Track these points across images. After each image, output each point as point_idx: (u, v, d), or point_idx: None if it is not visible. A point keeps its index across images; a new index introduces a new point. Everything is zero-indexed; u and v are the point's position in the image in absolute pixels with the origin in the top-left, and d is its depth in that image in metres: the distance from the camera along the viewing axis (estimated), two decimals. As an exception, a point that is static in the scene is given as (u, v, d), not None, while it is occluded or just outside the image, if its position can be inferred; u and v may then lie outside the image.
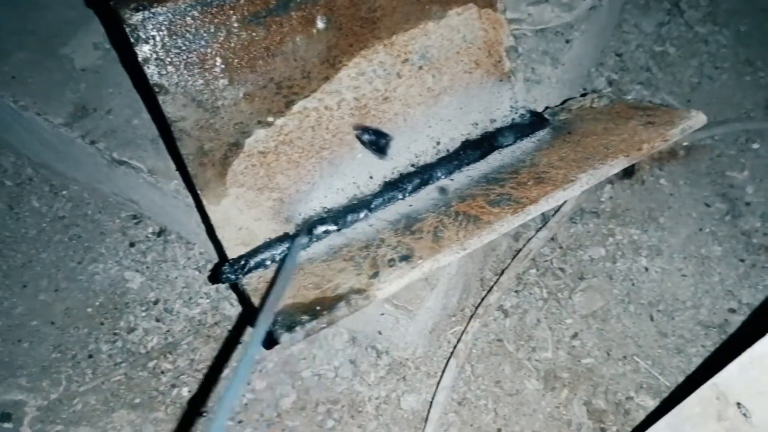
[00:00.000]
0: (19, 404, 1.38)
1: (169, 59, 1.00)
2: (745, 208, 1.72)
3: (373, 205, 1.21)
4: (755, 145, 1.85)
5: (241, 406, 1.34)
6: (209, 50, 1.02)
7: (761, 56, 2.06)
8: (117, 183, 1.58)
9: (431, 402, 1.34)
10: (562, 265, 1.59)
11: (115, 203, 1.69)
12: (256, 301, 1.04)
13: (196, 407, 1.35)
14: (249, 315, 1.44)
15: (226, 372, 1.39)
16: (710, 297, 1.54)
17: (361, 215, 1.20)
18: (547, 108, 1.47)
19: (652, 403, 1.37)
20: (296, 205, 1.18)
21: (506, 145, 1.32)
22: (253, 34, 1.05)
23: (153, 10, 0.97)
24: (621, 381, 1.40)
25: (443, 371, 1.36)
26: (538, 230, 1.62)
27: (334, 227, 1.18)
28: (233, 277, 1.09)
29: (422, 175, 1.25)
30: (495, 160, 1.28)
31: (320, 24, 1.11)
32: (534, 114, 1.36)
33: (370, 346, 1.41)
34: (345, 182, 1.21)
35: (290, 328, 0.92)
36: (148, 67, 0.99)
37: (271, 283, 1.07)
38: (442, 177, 1.26)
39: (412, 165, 1.27)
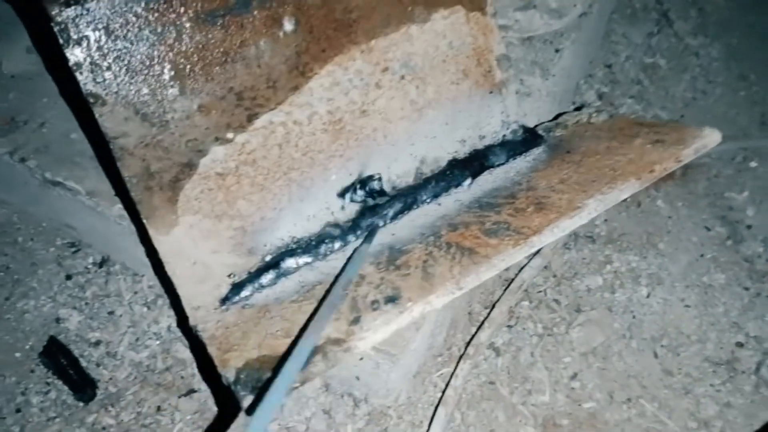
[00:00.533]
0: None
1: (106, 64, 0.86)
2: (746, 232, 1.65)
3: (349, 235, 1.08)
4: (753, 164, 1.80)
5: (196, 467, 1.19)
6: (156, 54, 0.89)
7: (754, 70, 2.02)
8: (51, 206, 1.42)
9: (416, 457, 1.21)
10: (557, 296, 1.49)
11: (50, 229, 1.53)
12: (212, 350, 0.89)
13: (142, 471, 1.20)
14: (204, 368, 1.29)
15: (179, 427, 1.23)
16: (716, 330, 1.46)
17: (336, 246, 1.08)
18: (539, 123, 1.38)
19: (660, 452, 1.27)
20: (261, 235, 1.04)
21: (498, 165, 1.22)
22: (209, 35, 0.92)
23: (87, 6, 0.83)
24: (626, 427, 1.29)
25: (431, 421, 1.23)
26: (530, 258, 1.52)
27: (305, 260, 1.05)
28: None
29: (405, 198, 1.14)
30: (486, 181, 1.18)
31: (288, 26, 0.99)
32: (527, 130, 1.26)
33: (346, 393, 1.27)
34: (317, 208, 1.09)
35: (255, 389, 0.78)
36: (81, 74, 0.85)
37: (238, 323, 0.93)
38: (428, 201, 1.15)
39: (394, 187, 1.15)
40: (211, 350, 0.89)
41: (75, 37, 0.84)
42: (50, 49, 1.43)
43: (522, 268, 1.50)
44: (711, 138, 1.08)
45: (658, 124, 1.19)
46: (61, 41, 0.84)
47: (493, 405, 1.31)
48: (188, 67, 0.92)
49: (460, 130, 1.20)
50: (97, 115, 0.87)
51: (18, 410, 1.28)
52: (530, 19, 1.56)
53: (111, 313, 1.41)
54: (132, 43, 0.87)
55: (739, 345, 1.44)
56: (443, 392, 1.28)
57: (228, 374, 0.82)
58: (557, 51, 1.55)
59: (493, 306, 1.41)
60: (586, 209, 0.98)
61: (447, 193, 1.16)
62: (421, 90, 1.13)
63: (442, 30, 1.13)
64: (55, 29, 0.84)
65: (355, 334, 0.83)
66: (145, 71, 0.89)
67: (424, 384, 1.32)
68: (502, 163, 1.21)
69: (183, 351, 1.34)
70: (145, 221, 0.95)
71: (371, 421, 1.26)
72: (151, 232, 0.96)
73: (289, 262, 1.04)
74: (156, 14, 0.87)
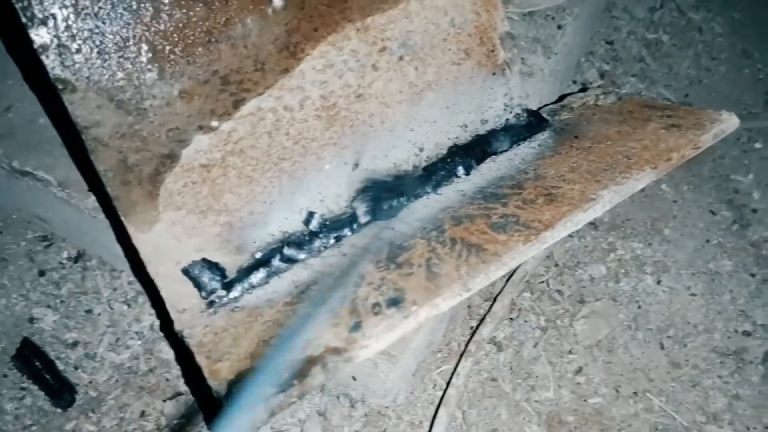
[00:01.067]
0: None
1: (76, 46, 0.78)
2: (752, 216, 1.62)
3: (345, 229, 1.02)
4: (758, 145, 1.77)
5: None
6: (131, 34, 0.81)
7: (758, 47, 1.98)
8: (21, 197, 1.35)
9: (417, 460, 1.17)
10: (560, 286, 1.45)
11: (20, 221, 1.45)
12: (200, 359, 0.84)
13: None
14: (188, 374, 1.23)
15: (163, 433, 1.18)
16: (723, 319, 1.43)
17: (331, 241, 1.02)
18: (543, 105, 1.32)
19: (669, 448, 1.25)
20: (250, 231, 0.98)
21: (501, 151, 1.16)
22: (191, 13, 0.85)
23: (52, -20, 0.75)
24: (633, 423, 1.26)
25: (432, 421, 1.19)
26: (530, 246, 1.47)
27: (298, 256, 0.99)
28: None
29: (403, 189, 1.08)
30: (490, 170, 1.12)
31: (277, 1, 0.92)
32: (531, 113, 1.21)
33: (342, 394, 1.23)
34: (310, 200, 1.03)
35: (248, 405, 0.72)
36: (48, 57, 0.77)
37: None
38: (428, 191, 1.09)
39: (391, 176, 1.09)
40: (200, 359, 0.83)
41: (40, 15, 0.76)
42: (13, 28, 1.34)
43: (523, 257, 1.45)
44: (730, 122, 1.04)
45: (670, 107, 1.14)
46: (24, 20, 0.76)
47: (496, 402, 1.27)
48: (168, 48, 0.85)
49: (462, 114, 1.14)
50: (66, 103, 0.80)
51: (-10, 417, 1.22)
52: (531, -7, 1.50)
53: (89, 311, 1.34)
54: (104, 22, 0.79)
55: (746, 334, 1.42)
56: (444, 391, 1.23)
57: (219, 388, 0.76)
58: (559, 27, 1.49)
59: (495, 299, 1.37)
60: (600, 201, 0.93)
61: (448, 182, 1.10)
62: (421, 71, 1.07)
63: (443, 6, 1.07)
64: (17, 6, 0.76)
65: (356, 342, 0.78)
66: (120, 53, 0.81)
67: (424, 382, 1.28)
68: (506, 150, 1.16)
69: (167, 351, 1.28)
70: (123, 219, 0.88)
71: (369, 422, 1.22)
72: (131, 230, 0.89)
73: (281, 260, 0.98)
74: (130, -10, 0.79)
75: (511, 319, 1.38)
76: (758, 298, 1.47)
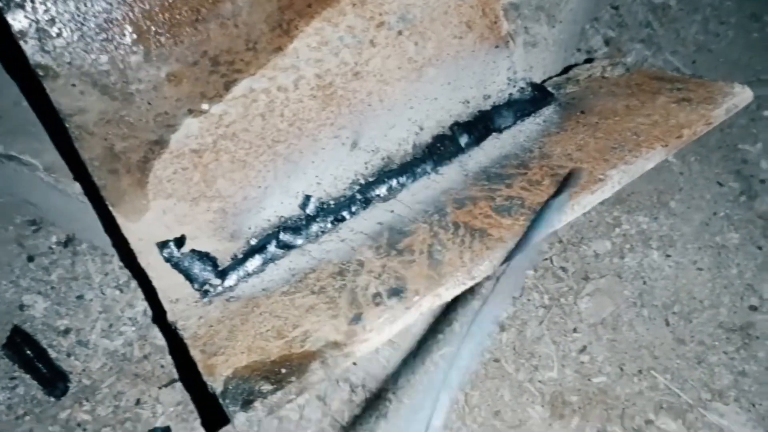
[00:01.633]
0: None
1: (56, 30, 0.75)
2: (760, 186, 1.61)
3: (343, 213, 1.01)
4: (766, 113, 1.74)
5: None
6: (115, 15, 0.78)
7: (767, 9, 1.93)
8: (8, 181, 1.32)
9: (419, 443, 1.17)
10: (564, 263, 1.44)
11: (8, 206, 1.43)
12: (195, 353, 0.83)
13: (124, 468, 1.15)
14: (182, 369, 1.23)
15: (161, 420, 1.18)
16: (729, 294, 1.43)
17: (329, 225, 1.01)
18: (547, 78, 1.29)
19: (674, 426, 1.25)
20: (244, 217, 0.97)
21: (504, 128, 1.14)
22: (176, -10, 0.81)
23: (26, -42, 0.72)
24: (638, 401, 1.27)
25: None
26: (533, 223, 1.46)
27: (295, 241, 0.98)
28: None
29: (403, 169, 1.06)
30: (493, 147, 1.10)
31: (268, -24, 0.88)
32: (536, 87, 1.18)
33: (342, 378, 1.23)
34: (306, 183, 1.01)
35: (247, 403, 0.72)
36: (27, 42, 0.74)
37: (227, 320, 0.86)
38: (429, 171, 1.07)
39: (390, 157, 1.07)
40: (195, 354, 0.82)
41: (15, -3, 0.73)
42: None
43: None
44: (742, 96, 1.01)
45: (679, 79, 1.11)
46: (1, 4, 0.73)
47: (498, 383, 1.28)
48: (153, 28, 0.81)
49: (464, 89, 1.11)
50: (48, 90, 0.77)
51: (-17, 407, 1.21)
52: (533, -43, 1.45)
53: (80, 297, 1.33)
54: (86, 3, 0.76)
55: (753, 309, 1.42)
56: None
57: (215, 385, 0.76)
58: (563, -7, 1.45)
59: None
60: (609, 182, 0.91)
61: (450, 161, 1.08)
62: (421, 46, 1.04)
63: (443, -24, 1.03)
64: (-10, -13, 0.73)
65: (356, 335, 0.77)
66: (103, 36, 0.78)
67: (425, 365, 1.28)
68: (510, 126, 1.14)
69: (161, 337, 1.28)
70: (111, 208, 0.87)
71: (369, 407, 1.22)
72: (120, 220, 0.88)
73: (277, 245, 0.97)
74: (111, -33, 0.76)
75: (513, 297, 1.38)
76: (765, 271, 1.47)
